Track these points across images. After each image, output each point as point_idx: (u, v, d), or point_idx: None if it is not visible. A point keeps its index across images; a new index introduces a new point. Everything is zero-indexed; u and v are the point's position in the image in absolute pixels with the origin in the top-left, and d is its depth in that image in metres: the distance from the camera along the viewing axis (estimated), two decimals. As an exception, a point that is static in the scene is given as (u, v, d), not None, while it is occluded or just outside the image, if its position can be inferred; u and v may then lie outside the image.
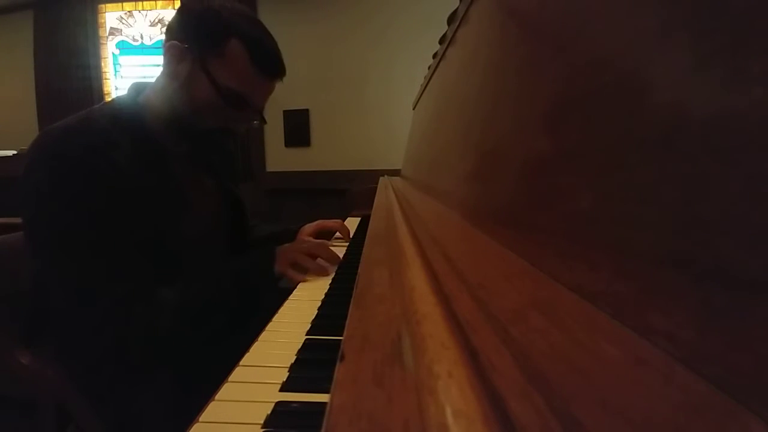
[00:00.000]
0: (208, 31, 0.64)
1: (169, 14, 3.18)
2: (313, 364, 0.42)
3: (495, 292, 0.25)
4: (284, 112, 2.83)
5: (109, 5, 3.18)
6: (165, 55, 0.66)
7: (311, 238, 0.94)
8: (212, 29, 0.64)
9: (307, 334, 0.49)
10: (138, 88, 0.71)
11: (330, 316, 0.55)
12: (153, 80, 0.71)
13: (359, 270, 0.44)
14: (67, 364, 0.66)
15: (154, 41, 3.21)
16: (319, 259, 0.74)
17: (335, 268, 0.75)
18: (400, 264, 0.36)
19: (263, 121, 0.76)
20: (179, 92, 0.66)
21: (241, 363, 0.43)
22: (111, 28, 3.22)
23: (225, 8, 0.65)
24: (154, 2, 3.19)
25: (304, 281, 0.69)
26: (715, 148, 0.15)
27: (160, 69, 0.69)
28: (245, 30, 0.65)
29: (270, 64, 0.68)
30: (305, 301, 0.61)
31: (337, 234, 1.02)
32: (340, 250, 0.86)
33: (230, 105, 0.66)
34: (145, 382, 0.63)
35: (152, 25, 3.20)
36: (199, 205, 0.75)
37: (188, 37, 0.64)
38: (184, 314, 0.61)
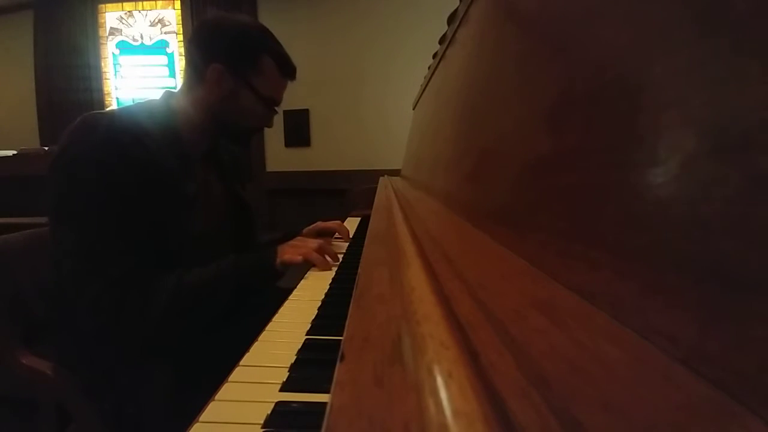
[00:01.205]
0: (244, 51, 0.75)
1: (169, 14, 3.18)
2: (313, 364, 0.42)
3: (495, 292, 0.25)
4: (284, 112, 2.83)
5: (109, 5, 3.18)
6: (206, 73, 0.74)
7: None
8: (248, 50, 0.76)
9: (307, 334, 0.49)
10: (170, 94, 0.79)
11: (330, 316, 0.55)
12: (180, 89, 0.80)
13: (359, 270, 0.44)
14: (67, 358, 0.67)
15: (154, 41, 3.21)
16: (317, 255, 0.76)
17: (337, 262, 0.79)
18: (400, 264, 0.36)
19: (276, 112, 0.87)
20: (222, 102, 0.76)
21: (241, 363, 0.43)
22: (111, 28, 3.22)
23: (247, 25, 0.77)
24: (154, 2, 3.19)
25: (305, 279, 0.71)
26: (714, 148, 0.15)
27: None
28: (271, 45, 0.78)
29: (290, 69, 0.82)
30: (305, 301, 0.61)
31: (337, 234, 1.03)
32: (340, 250, 0.86)
33: (267, 107, 0.80)
34: (145, 381, 0.63)
35: (152, 25, 3.20)
36: (209, 206, 0.79)
37: (227, 58, 0.74)
38: (180, 298, 0.63)
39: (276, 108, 0.83)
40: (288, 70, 0.81)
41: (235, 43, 0.75)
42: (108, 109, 0.69)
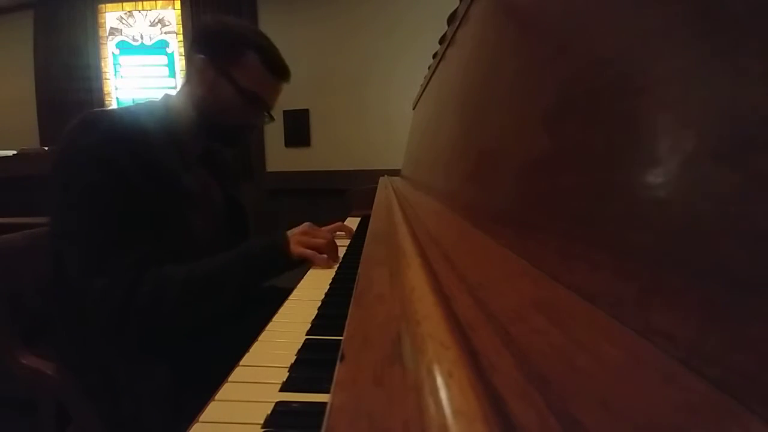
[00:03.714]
0: (228, 45, 0.77)
1: (169, 14, 3.18)
2: (313, 364, 0.42)
3: (495, 292, 0.25)
4: (284, 112, 2.83)
5: (109, 5, 3.18)
6: (190, 67, 0.79)
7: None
8: (232, 43, 0.78)
9: (307, 334, 0.49)
10: (168, 95, 0.81)
11: (330, 316, 0.55)
12: (178, 89, 0.82)
13: (359, 270, 0.44)
14: (67, 357, 0.67)
15: (154, 41, 3.20)
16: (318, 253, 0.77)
17: (338, 260, 0.80)
18: (400, 264, 0.36)
19: (272, 118, 0.87)
20: (206, 96, 0.77)
21: (241, 363, 0.43)
22: (111, 28, 3.21)
23: (238, 25, 0.80)
24: (154, 2, 3.19)
25: (305, 279, 0.71)
26: (714, 148, 0.15)
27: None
28: (257, 42, 0.79)
29: (278, 68, 0.81)
30: (305, 301, 0.61)
31: (339, 232, 1.03)
32: (341, 249, 0.86)
33: (249, 103, 0.79)
34: (145, 381, 0.63)
35: (152, 25, 3.20)
36: (208, 207, 0.80)
37: (211, 51, 0.76)
38: (192, 286, 0.63)
39: (264, 107, 0.82)
40: (276, 68, 0.81)
41: (220, 35, 0.77)
42: (108, 108, 0.69)
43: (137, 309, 0.60)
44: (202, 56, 0.76)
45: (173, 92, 0.83)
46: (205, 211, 0.77)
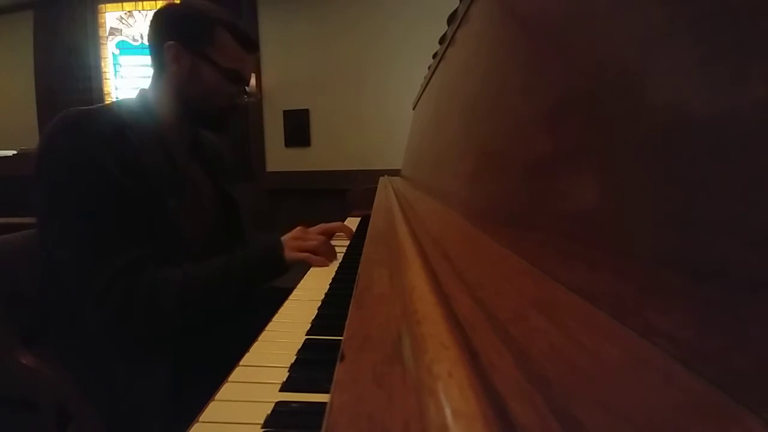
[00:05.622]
0: (197, 26, 0.75)
1: (169, 14, 3.18)
2: (313, 364, 0.42)
3: (495, 292, 0.25)
4: (284, 112, 2.83)
5: (109, 5, 3.18)
6: (164, 56, 0.74)
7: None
8: (200, 24, 0.75)
9: (307, 334, 0.49)
10: (144, 91, 0.79)
11: (330, 316, 0.55)
12: (149, 83, 0.79)
13: (359, 270, 0.44)
14: (66, 357, 0.67)
15: (154, 41, 3.21)
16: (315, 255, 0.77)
17: (335, 260, 0.80)
18: (400, 264, 0.36)
19: (249, 95, 0.86)
20: (186, 82, 0.75)
21: (241, 363, 0.43)
22: (111, 28, 3.21)
23: (199, 4, 0.77)
24: (154, 2, 3.19)
25: (305, 279, 0.71)
26: (715, 148, 0.15)
27: (152, 69, 0.78)
28: (223, 18, 0.77)
29: (248, 41, 0.81)
30: (305, 301, 0.61)
31: (338, 233, 1.03)
32: (340, 249, 0.86)
33: (232, 81, 0.78)
34: (145, 381, 0.63)
35: (152, 25, 3.20)
36: (198, 202, 0.78)
37: (181, 35, 0.74)
38: (188, 291, 0.63)
39: (245, 85, 0.81)
40: (246, 42, 0.79)
41: (186, 18, 0.75)
42: (88, 107, 0.69)
43: (134, 314, 0.60)
44: (173, 42, 0.73)
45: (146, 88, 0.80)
46: (194, 208, 0.76)
